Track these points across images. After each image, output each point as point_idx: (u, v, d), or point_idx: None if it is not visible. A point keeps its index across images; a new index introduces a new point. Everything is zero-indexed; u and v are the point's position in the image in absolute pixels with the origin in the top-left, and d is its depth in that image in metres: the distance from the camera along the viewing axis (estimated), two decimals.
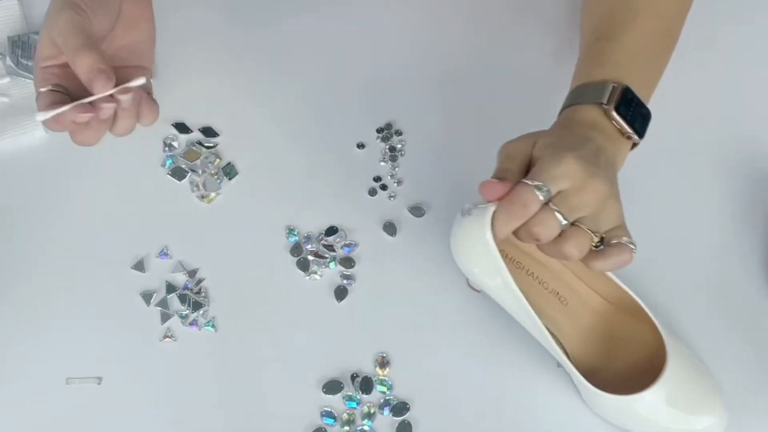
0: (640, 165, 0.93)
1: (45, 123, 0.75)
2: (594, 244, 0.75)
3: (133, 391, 0.82)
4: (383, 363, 0.84)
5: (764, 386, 0.84)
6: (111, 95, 0.74)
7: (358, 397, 0.83)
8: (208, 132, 0.93)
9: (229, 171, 0.92)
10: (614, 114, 0.79)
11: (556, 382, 0.83)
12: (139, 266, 0.87)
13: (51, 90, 0.76)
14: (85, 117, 0.75)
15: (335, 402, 0.82)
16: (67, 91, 0.77)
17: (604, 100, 0.79)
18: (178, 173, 0.91)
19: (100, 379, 0.82)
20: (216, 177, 0.91)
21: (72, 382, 0.82)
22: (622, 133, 0.80)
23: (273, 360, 0.84)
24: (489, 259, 0.78)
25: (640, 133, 0.81)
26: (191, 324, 0.85)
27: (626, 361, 0.82)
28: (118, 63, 0.81)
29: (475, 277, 0.81)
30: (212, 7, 1.01)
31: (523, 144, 0.76)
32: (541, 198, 0.72)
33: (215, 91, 0.95)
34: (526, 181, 0.73)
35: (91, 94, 0.75)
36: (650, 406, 0.78)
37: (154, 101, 0.80)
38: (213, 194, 0.91)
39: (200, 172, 0.91)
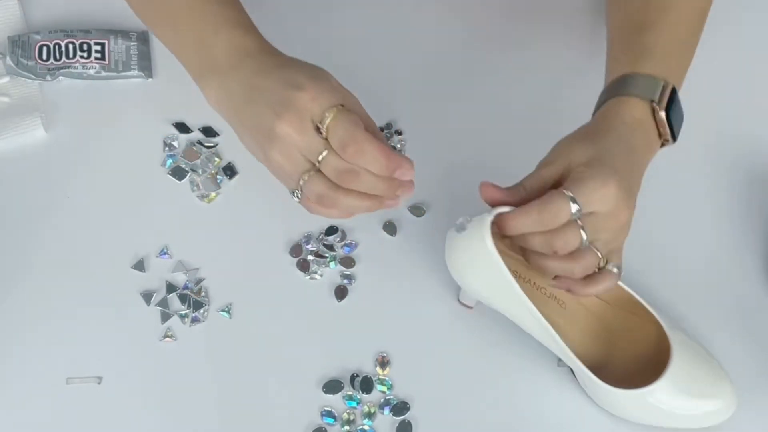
0: None
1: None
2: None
3: (133, 391, 0.82)
4: (383, 363, 0.84)
5: (765, 384, 0.84)
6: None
7: (359, 397, 0.83)
8: (208, 132, 0.93)
9: (229, 171, 0.92)
10: (662, 115, 0.77)
11: (557, 380, 0.83)
12: (139, 266, 0.87)
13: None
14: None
15: (335, 402, 0.82)
16: None
17: (656, 98, 0.77)
18: (178, 173, 0.91)
19: (100, 379, 0.82)
20: (216, 177, 0.91)
21: (72, 382, 0.82)
22: (660, 135, 0.78)
23: (273, 360, 0.84)
24: (492, 271, 0.76)
25: (676, 137, 0.79)
26: (193, 321, 0.85)
27: (628, 355, 0.82)
28: None
29: (475, 291, 0.80)
30: None
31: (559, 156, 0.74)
32: (573, 212, 0.70)
33: None
34: (566, 192, 0.70)
35: None
36: (662, 396, 0.78)
37: None
38: (213, 194, 0.91)
39: (200, 171, 0.91)
